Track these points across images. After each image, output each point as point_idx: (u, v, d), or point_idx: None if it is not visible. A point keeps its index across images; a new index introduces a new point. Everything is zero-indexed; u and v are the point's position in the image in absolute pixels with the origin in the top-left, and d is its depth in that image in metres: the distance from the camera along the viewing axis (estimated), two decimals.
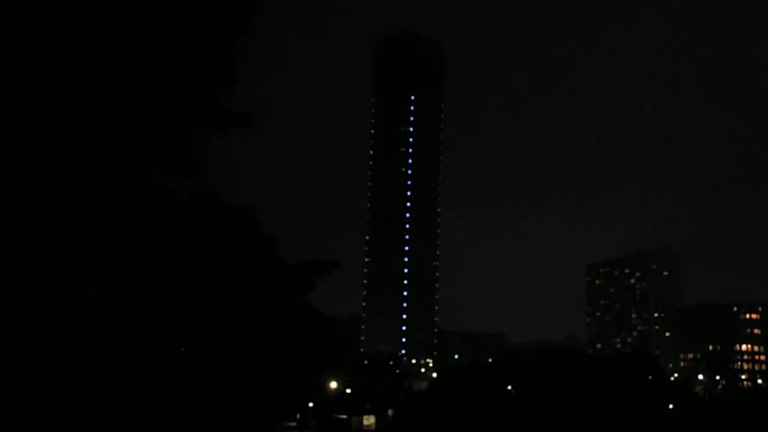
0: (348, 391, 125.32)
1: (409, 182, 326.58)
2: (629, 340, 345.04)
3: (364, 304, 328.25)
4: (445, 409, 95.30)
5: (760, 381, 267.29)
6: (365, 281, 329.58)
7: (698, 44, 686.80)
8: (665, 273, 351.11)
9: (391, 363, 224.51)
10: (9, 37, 14.81)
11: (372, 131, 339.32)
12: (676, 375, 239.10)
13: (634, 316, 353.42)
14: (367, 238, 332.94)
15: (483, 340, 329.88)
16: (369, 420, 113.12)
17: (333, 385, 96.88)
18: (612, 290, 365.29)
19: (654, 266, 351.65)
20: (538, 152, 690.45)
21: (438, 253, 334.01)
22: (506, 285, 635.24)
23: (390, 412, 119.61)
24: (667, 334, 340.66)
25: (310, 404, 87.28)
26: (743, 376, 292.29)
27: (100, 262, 17.39)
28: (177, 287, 20.80)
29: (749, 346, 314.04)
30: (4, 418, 15.63)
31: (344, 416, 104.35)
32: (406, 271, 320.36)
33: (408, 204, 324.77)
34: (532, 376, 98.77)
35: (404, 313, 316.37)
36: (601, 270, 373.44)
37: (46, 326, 16.32)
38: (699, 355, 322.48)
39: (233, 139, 19.45)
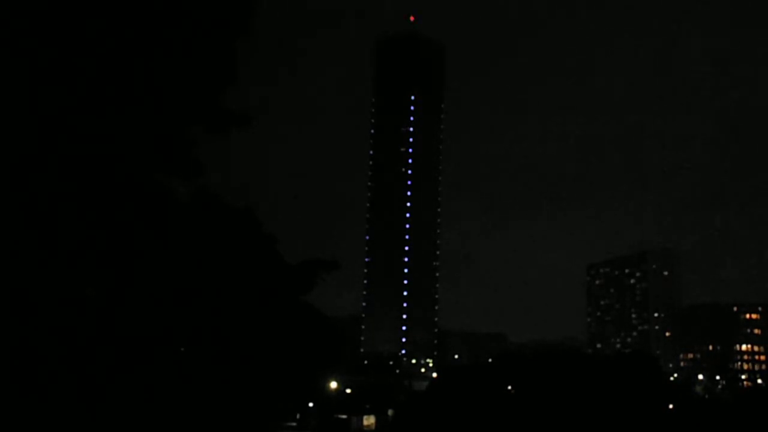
0: (348, 391, 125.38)
1: (409, 182, 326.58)
2: (629, 340, 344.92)
3: (364, 304, 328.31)
4: (445, 409, 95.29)
5: (760, 381, 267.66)
6: (365, 281, 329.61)
7: (700, 47, 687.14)
8: (665, 273, 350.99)
9: (391, 363, 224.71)
10: (9, 37, 14.81)
11: (372, 131, 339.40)
12: (676, 375, 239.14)
13: (634, 316, 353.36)
14: (367, 238, 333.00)
15: (483, 340, 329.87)
16: (369, 420, 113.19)
17: (333, 385, 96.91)
18: (612, 290, 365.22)
19: (654, 266, 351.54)
20: (539, 152, 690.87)
21: (438, 253, 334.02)
22: (506, 285, 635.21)
23: (390, 412, 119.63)
24: (667, 334, 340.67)
25: (310, 404, 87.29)
26: (743, 376, 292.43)
27: (101, 262, 17.39)
28: (177, 287, 20.80)
29: (749, 346, 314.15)
30: (4, 418, 15.62)
31: (344, 416, 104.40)
32: (406, 271, 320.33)
33: (408, 204, 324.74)
34: (532, 376, 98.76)
35: (404, 313, 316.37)
36: (601, 270, 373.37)
37: (46, 326, 16.32)
38: (699, 355, 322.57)
39: (233, 139, 19.45)
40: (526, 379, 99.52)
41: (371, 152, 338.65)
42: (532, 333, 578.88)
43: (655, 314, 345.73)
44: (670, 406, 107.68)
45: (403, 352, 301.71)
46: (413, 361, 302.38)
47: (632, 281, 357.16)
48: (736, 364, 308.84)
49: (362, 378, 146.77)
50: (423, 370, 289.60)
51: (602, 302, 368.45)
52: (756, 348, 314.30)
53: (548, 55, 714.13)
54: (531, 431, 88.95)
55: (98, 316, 17.92)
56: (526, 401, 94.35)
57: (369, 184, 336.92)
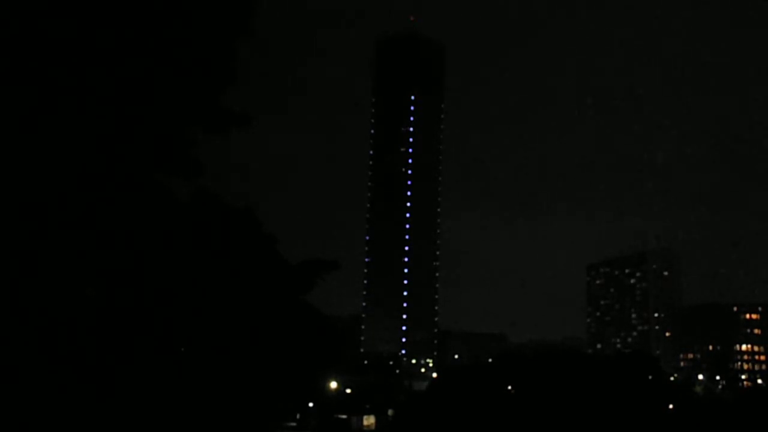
0: (348, 391, 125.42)
1: (409, 182, 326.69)
2: (629, 340, 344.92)
3: (364, 304, 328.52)
4: (445, 409, 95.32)
5: (760, 381, 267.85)
6: (365, 281, 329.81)
7: (701, 46, 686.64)
8: (665, 273, 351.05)
9: (391, 363, 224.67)
10: (8, 37, 14.81)
11: (372, 131, 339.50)
12: (676, 375, 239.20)
13: (634, 316, 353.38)
14: (367, 238, 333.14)
15: (483, 340, 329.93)
16: (369, 420, 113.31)
17: (333, 385, 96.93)
18: (612, 290, 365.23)
19: (654, 266, 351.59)
20: (538, 152, 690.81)
21: (438, 253, 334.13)
22: (506, 285, 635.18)
23: (390, 412, 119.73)
24: (667, 334, 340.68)
25: (310, 404, 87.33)
26: (743, 376, 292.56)
27: (100, 262, 17.39)
28: (177, 287, 20.80)
29: (749, 346, 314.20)
30: (4, 418, 15.63)
31: (344, 416, 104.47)
32: (406, 271, 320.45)
33: (408, 204, 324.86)
34: (532, 376, 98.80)
35: (404, 313, 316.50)
36: (601, 270, 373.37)
37: (46, 326, 16.32)
38: (699, 355, 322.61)
39: (233, 139, 19.46)
40: (526, 379, 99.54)
41: (371, 152, 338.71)
42: (532, 333, 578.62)
43: (655, 314, 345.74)
44: (670, 406, 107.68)
45: (403, 352, 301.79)
46: (413, 361, 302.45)
47: (632, 281, 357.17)
48: (736, 364, 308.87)
49: (362, 378, 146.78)
50: (423, 370, 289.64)
51: (602, 302, 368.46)
52: (756, 348, 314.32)
53: (548, 54, 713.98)
54: (531, 431, 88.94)
55: (98, 316, 17.92)
56: (526, 401, 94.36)
57: (369, 184, 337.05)
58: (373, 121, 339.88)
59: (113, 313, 18.37)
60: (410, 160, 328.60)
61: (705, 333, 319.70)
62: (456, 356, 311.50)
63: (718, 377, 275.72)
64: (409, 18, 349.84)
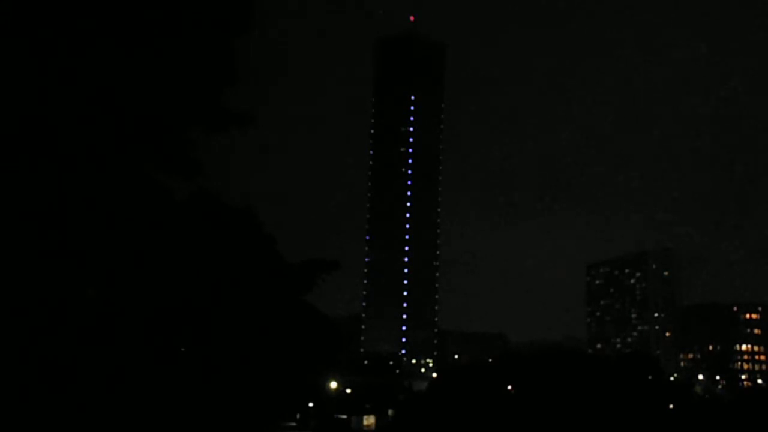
0: (348, 391, 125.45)
1: (409, 182, 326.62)
2: (629, 340, 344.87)
3: (364, 304, 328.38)
4: (445, 409, 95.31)
5: (760, 381, 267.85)
6: (365, 281, 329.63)
7: (700, 43, 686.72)
8: (665, 273, 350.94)
9: (391, 363, 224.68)
10: (9, 36, 14.81)
11: (372, 131, 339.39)
12: (676, 375, 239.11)
13: (634, 316, 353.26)
14: (367, 238, 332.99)
15: (483, 340, 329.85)
16: (369, 420, 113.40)
17: (333, 385, 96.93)
18: (612, 290, 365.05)
19: (654, 266, 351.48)
20: (538, 152, 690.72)
21: (438, 253, 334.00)
22: (506, 285, 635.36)
23: (390, 412, 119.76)
24: (667, 334, 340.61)
25: (310, 404, 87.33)
26: (743, 376, 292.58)
27: (100, 262, 17.38)
28: (177, 287, 20.80)
29: (749, 346, 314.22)
30: (4, 418, 15.62)
31: (344, 416, 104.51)
32: (406, 271, 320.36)
33: (408, 204, 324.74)
34: (532, 376, 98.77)
35: (404, 313, 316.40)
36: (601, 270, 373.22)
37: (47, 326, 16.31)
38: (699, 355, 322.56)
39: (233, 139, 19.45)
40: (526, 379, 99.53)
41: (371, 152, 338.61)
42: (532, 333, 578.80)
43: (655, 314, 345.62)
44: (670, 406, 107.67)
45: (403, 352, 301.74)
46: (413, 361, 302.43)
47: (632, 281, 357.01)
48: (736, 364, 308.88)
49: (362, 378, 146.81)
50: (423, 370, 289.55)
51: (602, 302, 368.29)
52: (756, 348, 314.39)
53: (548, 55, 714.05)
54: (531, 431, 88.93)
55: (99, 316, 17.92)
56: (526, 401, 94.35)
57: (369, 184, 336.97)
58: (373, 121, 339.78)
59: (113, 313, 18.37)
60: (410, 160, 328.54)
61: (705, 333, 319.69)
62: (456, 356, 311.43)
63: (718, 377, 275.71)
64: (409, 18, 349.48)
